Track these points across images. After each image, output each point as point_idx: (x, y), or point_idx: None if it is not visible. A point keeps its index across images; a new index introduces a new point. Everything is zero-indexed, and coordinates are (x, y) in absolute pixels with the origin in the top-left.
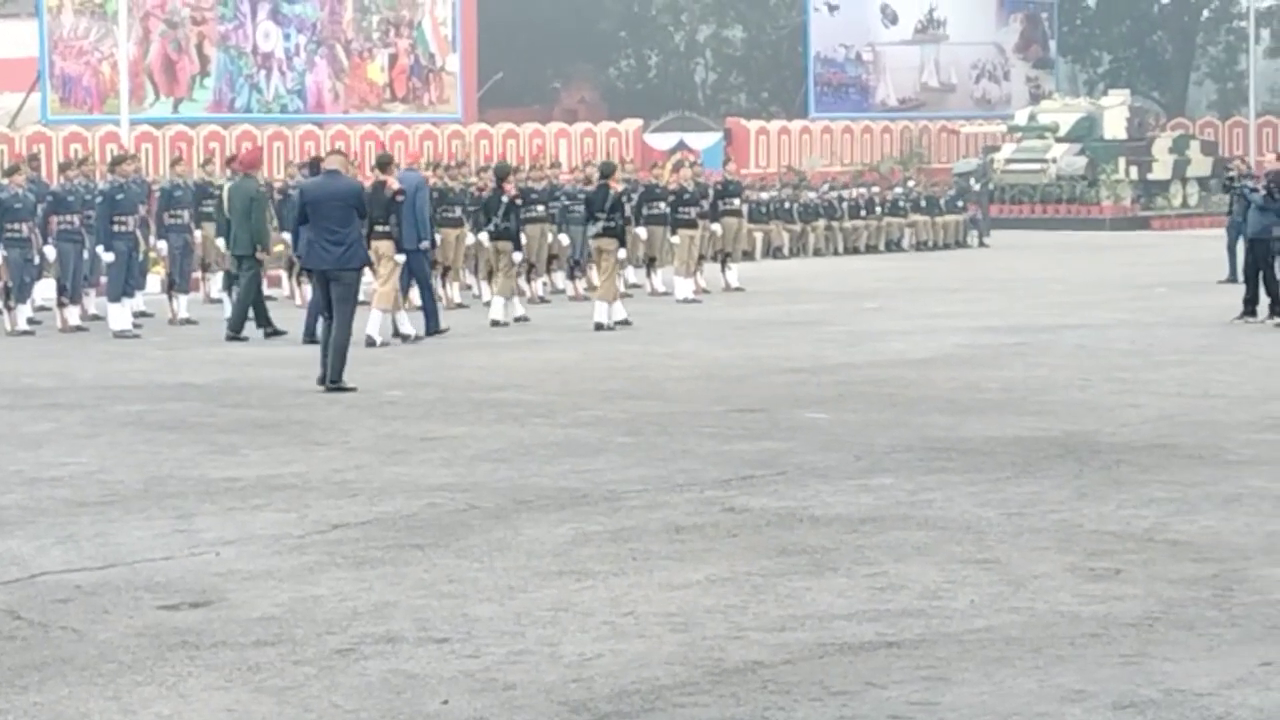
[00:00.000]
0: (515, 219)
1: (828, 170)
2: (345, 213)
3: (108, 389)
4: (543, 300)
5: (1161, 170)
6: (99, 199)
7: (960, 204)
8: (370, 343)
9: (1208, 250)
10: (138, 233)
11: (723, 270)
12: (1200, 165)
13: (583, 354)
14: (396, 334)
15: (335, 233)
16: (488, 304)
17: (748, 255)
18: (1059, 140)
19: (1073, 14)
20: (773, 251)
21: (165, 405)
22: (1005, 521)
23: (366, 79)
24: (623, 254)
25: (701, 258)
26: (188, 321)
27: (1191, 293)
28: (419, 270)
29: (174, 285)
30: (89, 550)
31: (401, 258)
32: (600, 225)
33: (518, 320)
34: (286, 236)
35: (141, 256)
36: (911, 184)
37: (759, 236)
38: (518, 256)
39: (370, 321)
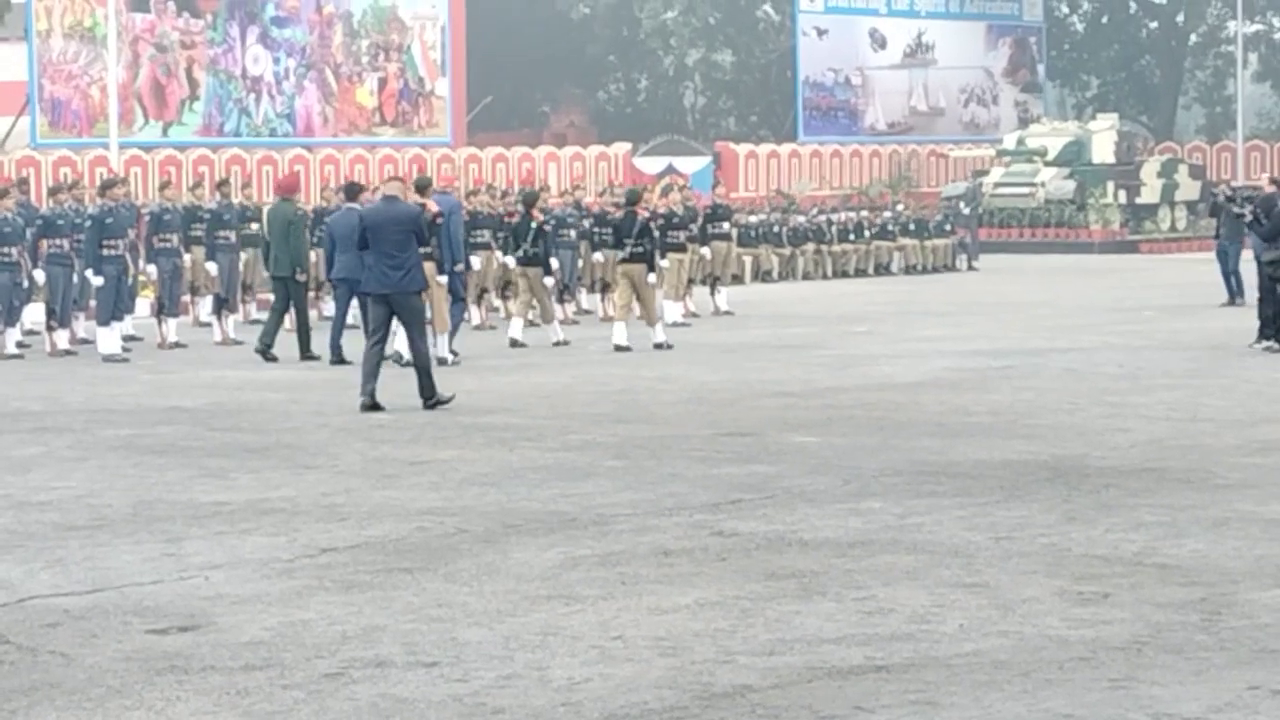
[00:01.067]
0: (544, 244)
1: (817, 194)
2: (405, 237)
3: (96, 413)
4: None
5: (1150, 194)
6: (88, 223)
7: (949, 228)
8: (441, 362)
9: (1196, 274)
10: (127, 256)
11: (712, 294)
12: (1189, 189)
13: (571, 378)
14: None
15: (394, 257)
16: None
17: (737, 279)
18: (1047, 164)
19: (1061, 38)
20: (762, 275)
21: (154, 429)
22: (994, 545)
23: (356, 103)
24: (652, 278)
25: (690, 281)
26: (177, 345)
27: (1180, 316)
28: (454, 292)
29: (163, 309)
30: (77, 574)
31: (444, 279)
32: (629, 250)
33: (556, 345)
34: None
35: (130, 280)
36: (900, 208)
37: (748, 260)
38: (549, 281)
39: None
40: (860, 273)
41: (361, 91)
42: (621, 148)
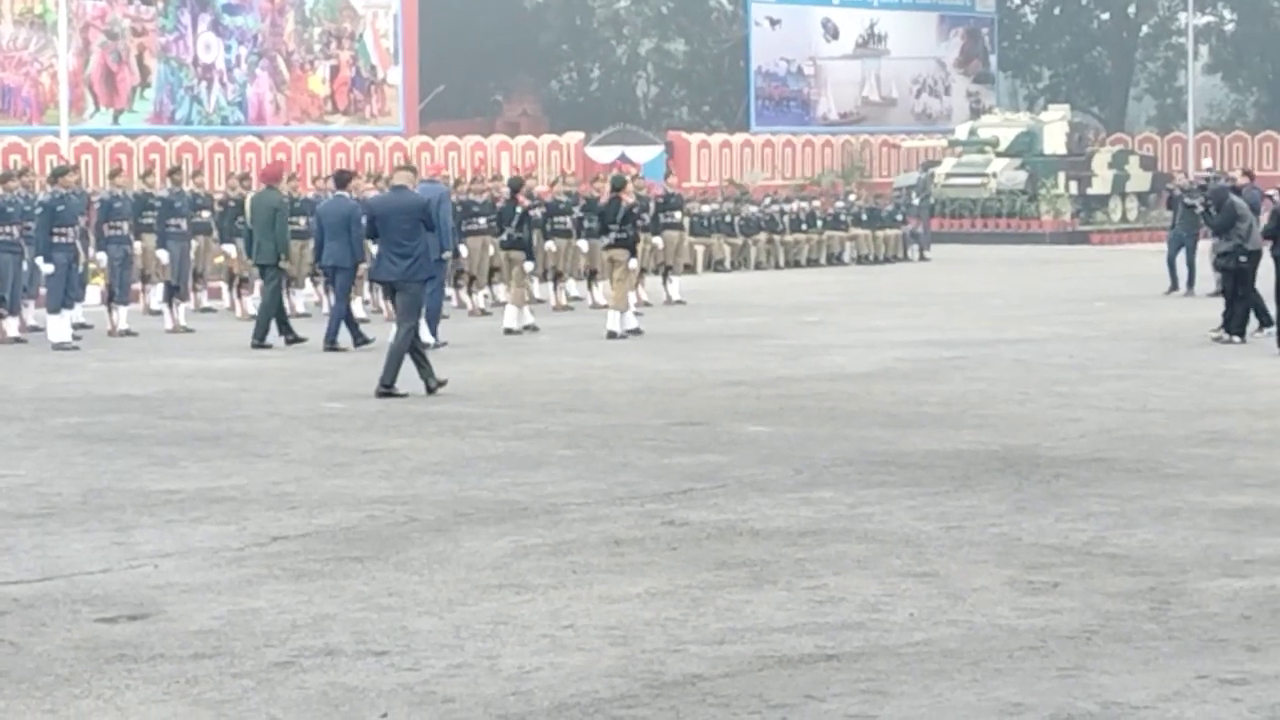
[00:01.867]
0: (528, 229)
1: (769, 184)
2: (412, 226)
3: (46, 401)
4: (484, 313)
5: (1101, 185)
6: (39, 210)
7: (900, 218)
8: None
9: (1147, 265)
10: (77, 244)
11: (664, 283)
12: (1139, 180)
13: (523, 367)
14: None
15: (402, 246)
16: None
17: (689, 268)
18: (999, 155)
19: (1013, 29)
20: (714, 265)
21: (104, 417)
22: (944, 535)
23: (308, 91)
24: (633, 264)
25: (643, 271)
26: (127, 333)
27: (1130, 307)
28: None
29: (113, 297)
30: (26, 563)
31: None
32: (613, 236)
33: (527, 329)
34: (229, 249)
35: (81, 268)
36: (852, 198)
37: (700, 250)
38: (529, 266)
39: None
40: (812, 262)
41: (313, 79)
42: (574, 137)
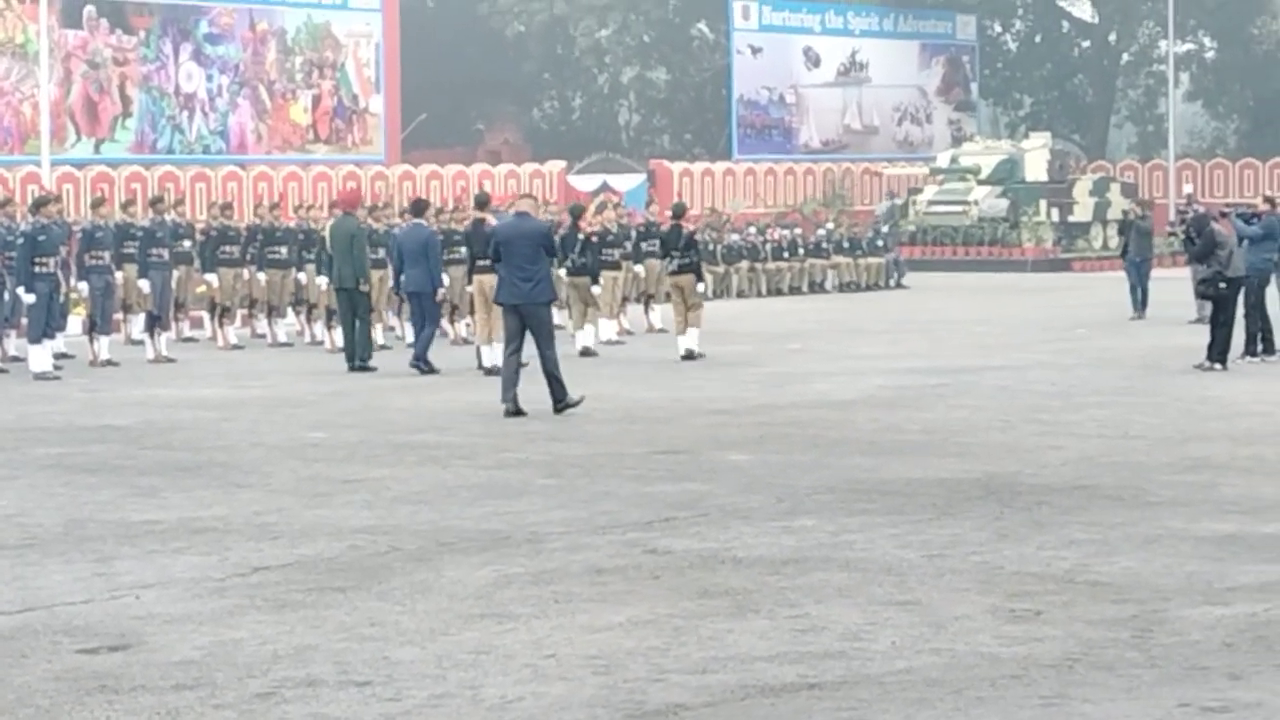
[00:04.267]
0: (592, 256)
1: (751, 212)
2: (534, 251)
3: (28, 431)
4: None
5: (1082, 212)
6: (20, 240)
7: (882, 245)
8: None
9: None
10: (59, 274)
11: (646, 312)
12: (1121, 207)
13: None
14: (480, 366)
15: (525, 270)
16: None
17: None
18: (981, 182)
19: (994, 57)
20: None
21: (86, 447)
22: (926, 563)
23: (289, 120)
24: (701, 287)
25: (624, 299)
26: (109, 363)
27: (1112, 334)
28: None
29: (95, 327)
30: (7, 594)
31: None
32: (677, 263)
33: (608, 342)
34: (211, 278)
35: (62, 298)
36: (834, 226)
37: None
38: (596, 290)
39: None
40: (794, 290)
41: (295, 109)
42: (556, 165)
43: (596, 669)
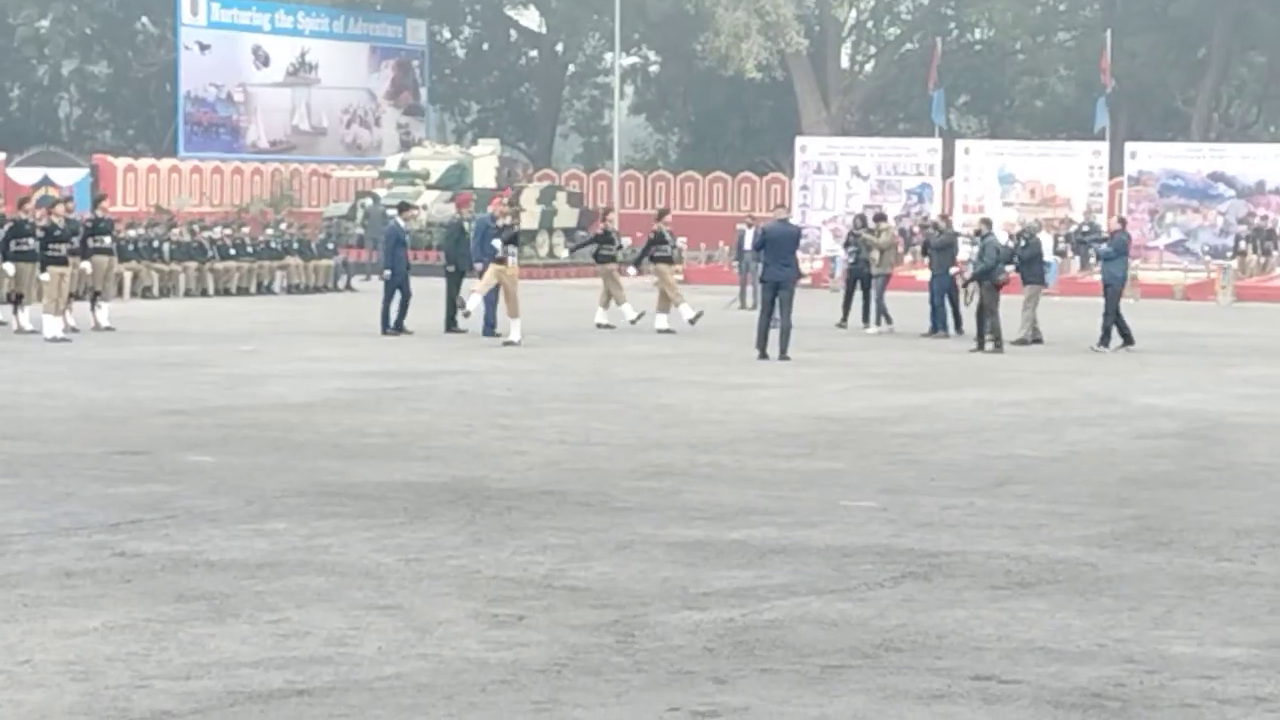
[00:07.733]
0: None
1: (197, 210)
2: (792, 246)
3: None
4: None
5: (530, 220)
6: None
7: (332, 247)
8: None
9: (577, 301)
10: None
11: (93, 309)
12: (567, 216)
13: None
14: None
15: (785, 259)
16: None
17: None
18: (430, 187)
19: (443, 63)
20: (142, 291)
21: None
22: (404, 567)
23: None
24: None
25: (71, 296)
26: None
27: (567, 343)
28: None
29: None
30: None
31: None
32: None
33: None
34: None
35: None
36: (284, 226)
37: (128, 275)
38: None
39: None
40: (242, 291)
41: None
42: None
43: (75, 675)
